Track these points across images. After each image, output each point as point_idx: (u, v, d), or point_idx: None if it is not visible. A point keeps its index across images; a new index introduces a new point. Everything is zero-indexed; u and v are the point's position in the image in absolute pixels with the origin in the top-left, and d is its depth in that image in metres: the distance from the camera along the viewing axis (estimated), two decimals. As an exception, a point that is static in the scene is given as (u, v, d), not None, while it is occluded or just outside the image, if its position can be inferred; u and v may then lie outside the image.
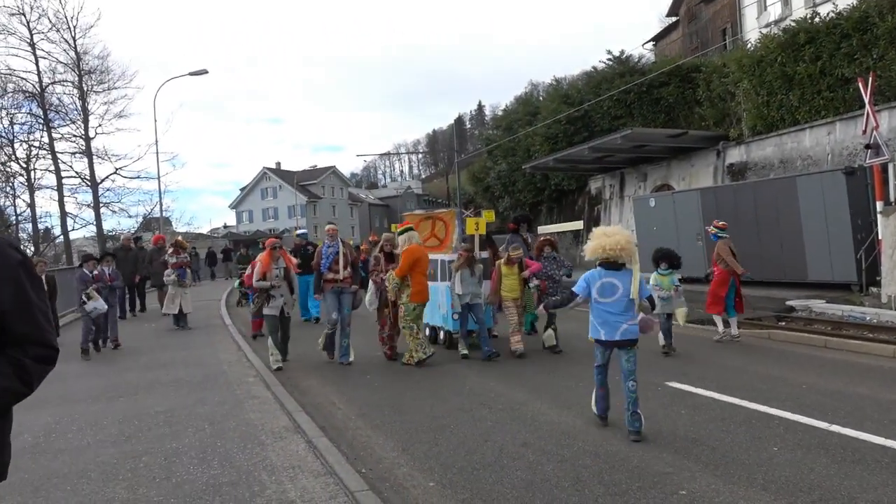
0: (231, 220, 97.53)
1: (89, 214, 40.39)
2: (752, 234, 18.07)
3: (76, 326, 17.47)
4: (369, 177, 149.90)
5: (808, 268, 17.19)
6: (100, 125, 39.48)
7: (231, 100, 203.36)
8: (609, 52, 33.06)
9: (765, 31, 26.29)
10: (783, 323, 13.97)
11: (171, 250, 16.53)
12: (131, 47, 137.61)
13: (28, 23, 36.86)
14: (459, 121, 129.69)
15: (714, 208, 20.49)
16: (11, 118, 37.60)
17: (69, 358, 12.49)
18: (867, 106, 14.46)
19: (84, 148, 39.12)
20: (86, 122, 38.93)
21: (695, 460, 5.80)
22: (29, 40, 37.08)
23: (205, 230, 69.22)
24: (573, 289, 6.90)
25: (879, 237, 14.55)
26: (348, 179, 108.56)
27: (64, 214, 39.09)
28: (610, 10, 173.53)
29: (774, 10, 30.81)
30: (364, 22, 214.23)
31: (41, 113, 37.86)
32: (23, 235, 39.74)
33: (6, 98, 37.41)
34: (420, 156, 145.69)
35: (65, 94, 39.25)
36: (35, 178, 38.88)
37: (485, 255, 11.77)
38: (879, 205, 14.45)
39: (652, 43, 46.12)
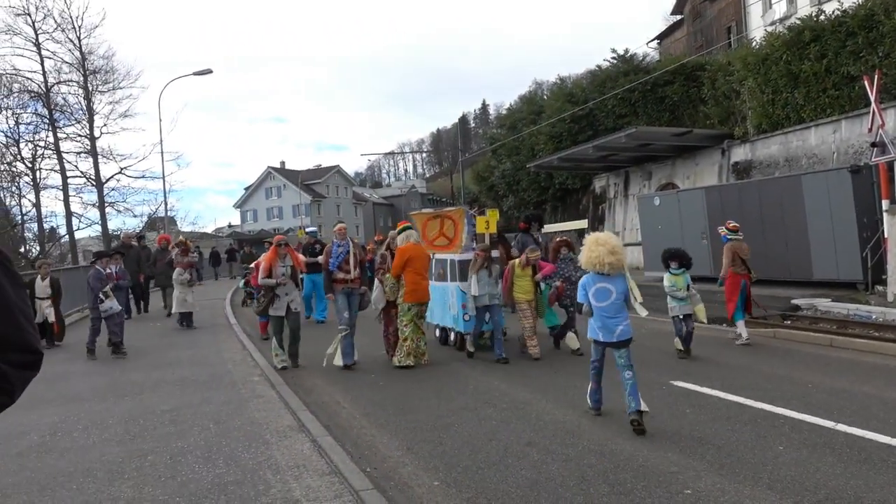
0: (236, 219, 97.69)
1: (94, 214, 40.53)
2: (757, 232, 18.02)
3: (82, 326, 17.51)
4: (373, 176, 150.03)
5: (813, 266, 17.15)
6: (105, 125, 39.62)
7: (235, 99, 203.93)
8: (613, 51, 33.02)
9: (770, 28, 26.22)
10: (788, 322, 13.93)
11: (176, 251, 16.50)
12: (136, 47, 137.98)
13: (33, 23, 36.98)
14: (463, 120, 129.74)
15: (719, 207, 20.44)
16: (17, 118, 37.73)
17: (74, 357, 12.54)
18: (873, 104, 14.41)
19: (89, 148, 39.22)
20: (91, 121, 39.03)
21: (700, 459, 5.79)
22: (34, 40, 37.19)
23: (209, 229, 69.38)
24: (578, 299, 7.35)
25: (885, 235, 14.50)
26: (353, 179, 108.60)
27: (69, 214, 39.20)
28: (614, 9, 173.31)
29: (779, 8, 30.73)
30: (367, 21, 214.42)
31: (46, 113, 37.95)
32: (28, 235, 39.88)
33: (12, 98, 37.54)
34: (424, 155, 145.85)
35: (70, 93, 39.35)
36: (40, 178, 39.00)
37: (496, 254, 11.53)
38: (885, 203, 14.41)
39: (656, 41, 46.03)
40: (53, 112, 38.08)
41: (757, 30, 29.92)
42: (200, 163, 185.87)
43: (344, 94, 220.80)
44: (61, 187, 38.96)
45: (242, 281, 21.66)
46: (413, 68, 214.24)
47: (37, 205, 38.83)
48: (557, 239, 12.23)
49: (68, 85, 38.97)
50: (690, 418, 7.07)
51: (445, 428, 7.11)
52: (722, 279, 11.53)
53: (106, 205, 39.89)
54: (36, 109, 38.33)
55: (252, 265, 15.66)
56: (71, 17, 39.29)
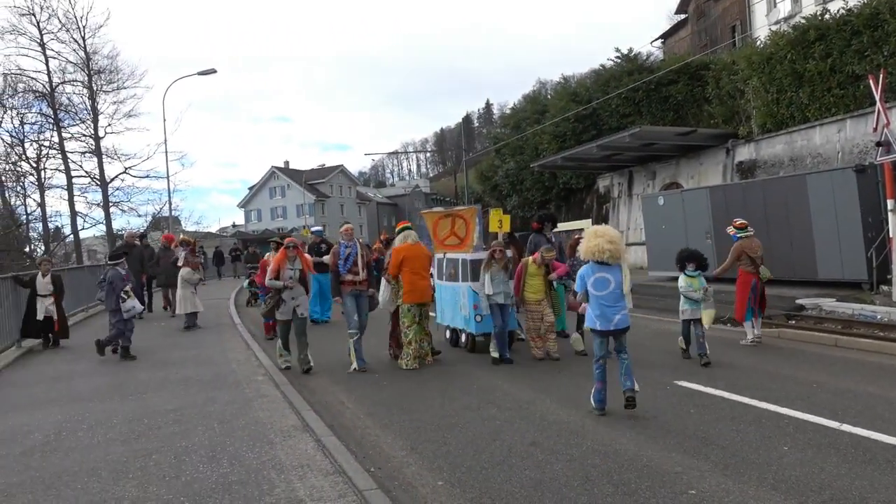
0: (240, 218, 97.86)
1: (99, 214, 40.75)
2: (761, 232, 17.92)
3: (86, 325, 17.56)
4: (377, 176, 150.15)
5: (818, 266, 17.10)
6: (109, 125, 39.83)
7: (239, 99, 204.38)
8: (617, 50, 32.97)
9: (774, 28, 26.17)
10: (793, 322, 13.90)
11: (184, 251, 16.39)
12: (140, 47, 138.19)
13: (38, 23, 37.18)
14: (467, 119, 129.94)
15: (723, 207, 20.40)
16: (22, 118, 37.94)
17: (79, 357, 12.55)
18: (878, 103, 14.35)
19: (94, 147, 39.38)
20: (95, 121, 39.18)
21: (704, 459, 5.79)
22: (39, 40, 37.38)
23: (213, 229, 69.42)
24: (575, 289, 7.66)
25: (890, 235, 14.46)
26: (356, 178, 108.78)
27: (74, 214, 39.34)
28: (618, 9, 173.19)
29: (784, 7, 30.66)
30: (372, 21, 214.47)
31: (51, 113, 38.14)
32: (33, 235, 40.08)
33: (17, 98, 37.76)
34: (428, 154, 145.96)
35: (74, 93, 39.58)
36: (45, 178, 39.22)
37: (509, 253, 11.24)
38: (890, 203, 14.35)
39: (660, 40, 45.99)
40: (58, 112, 38.27)
41: (761, 29, 29.85)
42: (204, 162, 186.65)
43: (348, 94, 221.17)
44: (66, 187, 39.17)
45: (247, 281, 21.65)
46: (417, 68, 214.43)
47: (41, 204, 39.06)
48: (575, 237, 12.05)
49: (73, 85, 39.20)
50: (695, 418, 7.06)
51: (449, 428, 7.11)
52: (715, 275, 11.44)
53: (110, 204, 40.07)
54: (41, 109, 38.56)
55: (259, 264, 15.66)
56: (75, 17, 39.48)
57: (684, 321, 10.18)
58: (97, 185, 39.91)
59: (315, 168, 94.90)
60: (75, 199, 39.46)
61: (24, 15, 36.70)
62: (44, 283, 13.50)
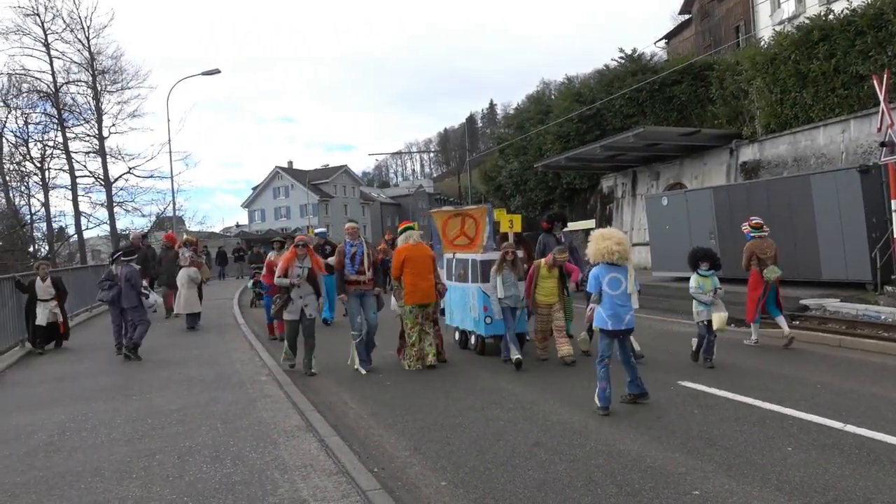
0: (244, 219, 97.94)
1: (103, 214, 40.88)
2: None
3: (89, 325, 17.61)
4: (381, 176, 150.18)
5: (822, 266, 17.08)
6: (113, 125, 39.96)
7: (243, 99, 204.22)
8: (621, 51, 32.91)
9: (778, 28, 26.15)
10: (797, 322, 13.87)
11: (189, 251, 16.34)
12: (144, 47, 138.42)
13: (42, 23, 37.27)
14: (471, 119, 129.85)
15: (727, 207, 20.39)
16: (26, 118, 38.05)
17: (82, 357, 12.58)
18: (882, 103, 14.34)
19: (98, 147, 39.45)
20: (99, 121, 39.26)
21: (708, 460, 5.78)
22: (43, 41, 37.47)
23: (217, 229, 69.49)
24: (588, 289, 7.69)
25: (894, 236, 14.44)
26: (360, 178, 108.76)
27: (78, 214, 39.42)
28: (622, 9, 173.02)
29: (788, 8, 30.63)
30: (376, 22, 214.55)
31: (55, 113, 38.24)
32: (37, 235, 40.17)
33: (21, 98, 37.86)
34: (432, 155, 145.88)
35: (79, 93, 39.66)
36: (49, 178, 39.31)
37: (520, 254, 11.03)
38: (894, 203, 14.34)
39: (664, 41, 45.95)
40: (62, 112, 38.35)
41: (765, 29, 29.83)
42: (208, 163, 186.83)
43: (351, 94, 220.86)
44: (70, 187, 39.23)
45: (251, 281, 21.62)
46: (421, 68, 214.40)
47: (46, 204, 39.13)
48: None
49: (77, 85, 39.28)
50: (698, 419, 7.05)
51: (453, 428, 7.11)
52: (746, 269, 11.27)
53: (114, 204, 40.14)
54: (45, 109, 38.68)
55: (263, 264, 15.61)
56: (80, 18, 39.57)
57: (700, 323, 9.84)
58: (101, 185, 40.02)
59: (319, 168, 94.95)
60: (79, 199, 39.59)
61: (28, 15, 36.84)
62: (44, 288, 13.20)
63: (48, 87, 38.03)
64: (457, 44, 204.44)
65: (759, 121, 23.85)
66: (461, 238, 11.65)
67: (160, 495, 5.40)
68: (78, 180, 39.34)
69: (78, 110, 39.47)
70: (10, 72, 37.48)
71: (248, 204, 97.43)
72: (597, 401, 7.50)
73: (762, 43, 26.26)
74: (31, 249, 37.71)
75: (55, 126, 38.61)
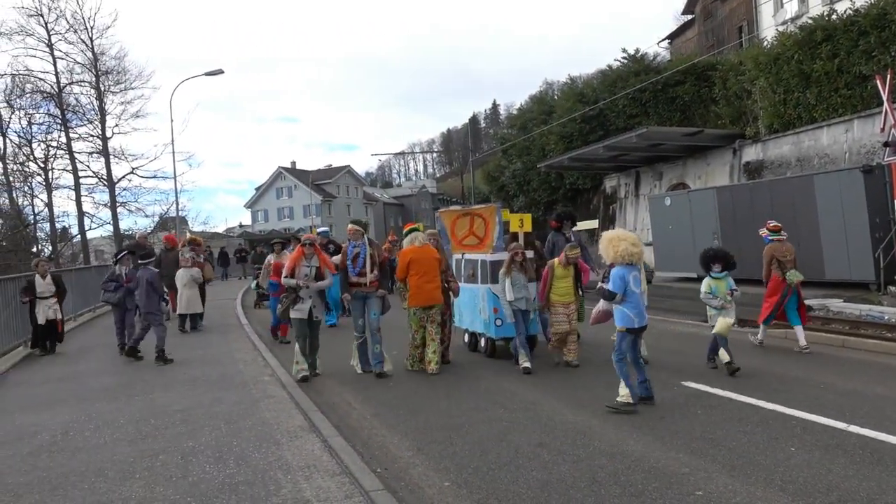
0: (246, 219, 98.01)
1: (106, 214, 40.83)
2: (768, 232, 17.96)
3: (92, 326, 17.63)
4: (384, 176, 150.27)
5: (825, 267, 17.07)
6: (116, 125, 39.94)
7: (244, 99, 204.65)
8: (624, 51, 32.94)
9: (781, 28, 26.13)
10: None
11: (189, 252, 16.29)
12: (147, 48, 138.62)
13: (46, 24, 37.34)
14: (474, 120, 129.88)
15: (730, 207, 20.39)
16: (30, 118, 38.12)
17: (86, 357, 12.60)
18: (885, 103, 14.35)
19: (101, 148, 39.51)
20: (103, 122, 39.31)
21: (711, 461, 5.77)
22: (47, 41, 37.53)
23: (220, 229, 69.53)
24: (609, 289, 7.61)
25: (898, 236, 14.43)
26: (363, 179, 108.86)
27: (81, 214, 39.51)
28: (625, 9, 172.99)
29: (791, 8, 30.61)
30: (379, 22, 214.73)
31: (59, 113, 38.28)
32: (41, 235, 40.28)
33: (24, 98, 37.91)
34: (435, 155, 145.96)
35: (82, 94, 39.71)
36: (53, 178, 39.38)
37: (529, 254, 10.71)
38: (898, 203, 14.34)
39: (667, 41, 45.91)
40: (66, 112, 38.41)
41: (768, 29, 29.81)
42: (210, 162, 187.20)
43: (354, 94, 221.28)
44: (73, 187, 39.28)
45: (255, 282, 21.57)
46: (424, 68, 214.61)
47: (49, 205, 39.17)
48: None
49: (80, 85, 39.33)
50: (702, 419, 7.04)
51: (456, 429, 7.10)
52: (766, 278, 10.94)
53: (117, 205, 40.19)
54: (48, 110, 38.73)
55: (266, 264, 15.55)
56: (83, 18, 39.54)
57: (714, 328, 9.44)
58: (104, 185, 40.04)
59: (322, 168, 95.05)
60: (83, 199, 39.66)
61: (32, 16, 36.90)
62: (45, 285, 12.97)
63: (52, 87, 38.11)
64: (460, 44, 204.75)
65: (762, 121, 23.84)
66: (470, 238, 11.34)
67: (163, 496, 5.41)
68: (81, 181, 39.43)
69: (81, 111, 39.56)
70: (14, 72, 37.57)
71: (250, 204, 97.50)
72: (631, 396, 7.39)
73: (765, 43, 26.25)
74: (34, 250, 37.75)
75: (59, 126, 38.70)
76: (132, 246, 17.16)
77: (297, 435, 6.91)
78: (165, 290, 12.12)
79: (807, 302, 15.21)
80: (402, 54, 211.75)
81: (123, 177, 40.43)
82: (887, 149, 14.43)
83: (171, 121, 35.10)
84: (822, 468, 5.47)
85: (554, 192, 37.43)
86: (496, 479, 5.59)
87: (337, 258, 11.46)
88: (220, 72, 32.18)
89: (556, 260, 10.21)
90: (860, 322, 13.07)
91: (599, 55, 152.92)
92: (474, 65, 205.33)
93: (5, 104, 37.29)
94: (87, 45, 38.39)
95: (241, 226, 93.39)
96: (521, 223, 10.99)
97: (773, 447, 6.04)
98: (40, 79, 38.05)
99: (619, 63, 33.31)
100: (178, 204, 36.46)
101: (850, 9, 20.05)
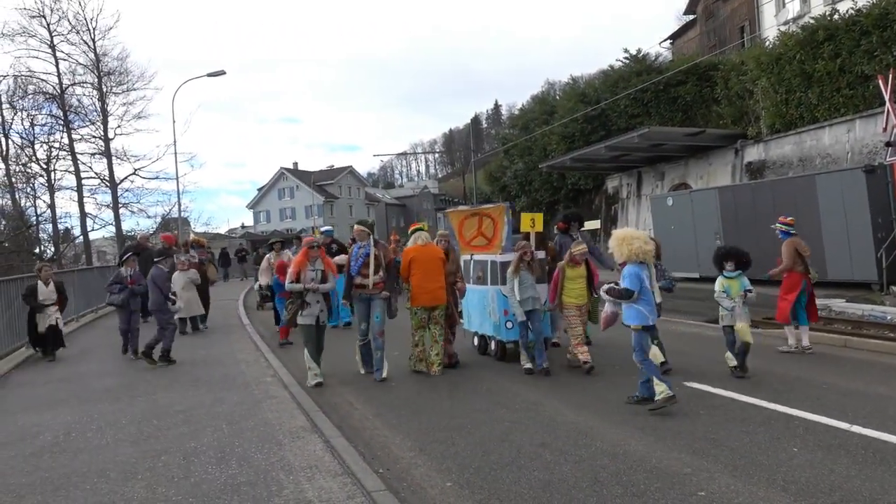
0: (249, 220, 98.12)
1: (108, 215, 40.89)
2: (770, 232, 17.88)
3: (95, 327, 17.62)
4: (386, 177, 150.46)
5: (827, 267, 17.04)
6: (119, 126, 40.04)
7: (245, 100, 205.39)
8: (626, 51, 33.01)
9: (783, 28, 26.12)
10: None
11: (184, 256, 16.23)
12: (149, 49, 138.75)
13: (48, 25, 37.40)
14: (476, 120, 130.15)
15: (732, 207, 20.37)
16: (32, 119, 38.17)
17: (88, 358, 12.60)
18: (887, 103, 14.34)
19: (103, 149, 39.56)
20: (105, 123, 39.37)
21: (714, 461, 5.76)
22: (49, 42, 37.59)
23: (223, 230, 69.58)
24: (626, 286, 7.52)
25: (900, 236, 14.41)
26: (365, 179, 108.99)
27: (83, 215, 39.54)
28: (627, 9, 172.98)
29: (793, 8, 30.59)
30: (380, 22, 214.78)
31: (61, 114, 38.34)
32: (43, 236, 40.32)
33: (27, 100, 37.95)
34: (436, 155, 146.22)
35: (84, 95, 39.77)
36: (55, 179, 39.43)
37: (541, 255, 10.50)
38: (900, 203, 14.32)
39: (669, 41, 45.93)
40: (68, 113, 38.46)
41: (770, 29, 29.81)
42: (212, 163, 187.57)
43: (355, 95, 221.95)
44: (76, 188, 39.37)
45: (258, 283, 21.50)
46: (425, 69, 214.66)
47: (51, 206, 39.23)
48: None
49: (83, 86, 39.40)
50: (704, 419, 7.03)
51: (458, 429, 7.10)
52: (772, 275, 10.43)
53: (120, 205, 40.24)
54: (51, 111, 38.80)
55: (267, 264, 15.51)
56: (85, 19, 39.58)
57: (725, 327, 9.08)
58: (107, 186, 40.10)
59: (324, 169, 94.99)
60: (85, 200, 39.72)
61: (34, 17, 36.96)
62: (47, 292, 12.65)
63: (54, 88, 38.16)
64: (462, 45, 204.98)
65: (764, 121, 23.83)
66: (479, 238, 11.11)
67: (165, 496, 5.41)
68: (83, 181, 39.50)
69: (83, 112, 39.62)
70: (17, 73, 37.62)
71: (253, 205, 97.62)
72: (668, 391, 7.21)
73: (767, 43, 26.26)
74: (36, 251, 37.81)
75: (61, 127, 38.76)
76: (134, 247, 17.10)
77: (299, 435, 6.91)
78: (173, 292, 12.02)
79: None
80: (403, 55, 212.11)
81: (126, 178, 40.53)
82: (889, 148, 14.43)
83: (174, 121, 35.24)
84: (825, 468, 5.46)
85: (556, 192, 37.46)
86: (498, 479, 5.59)
87: (340, 258, 11.38)
88: (223, 73, 32.23)
89: (563, 262, 9.91)
90: (862, 322, 13.06)
91: (601, 55, 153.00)
92: (476, 65, 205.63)
93: (8, 105, 37.40)
94: (89, 47, 38.49)
95: (243, 226, 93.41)
96: (533, 223, 10.73)
97: (776, 447, 6.04)
98: (43, 80, 38.16)
99: (620, 63, 33.37)
100: (180, 205, 36.52)
101: (852, 8, 20.05)
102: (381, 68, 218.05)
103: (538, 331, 9.76)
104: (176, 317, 15.73)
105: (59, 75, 38.22)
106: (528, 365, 9.72)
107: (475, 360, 10.86)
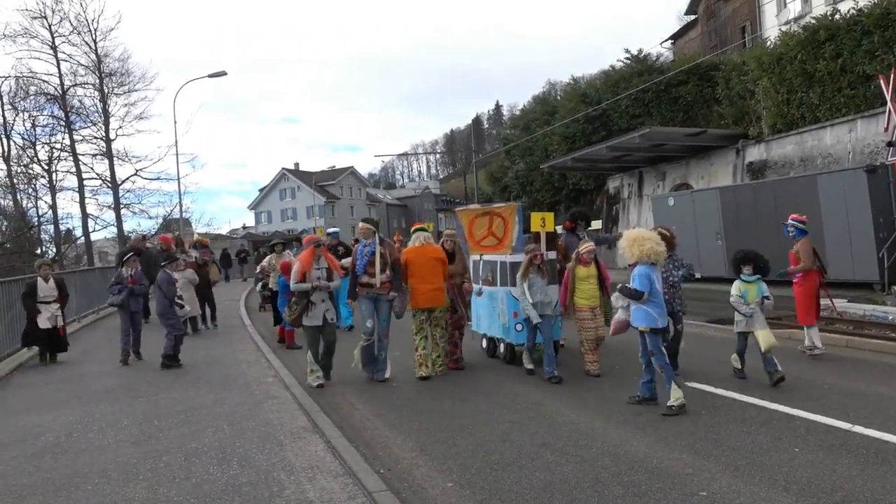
0: (250, 220, 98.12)
1: (110, 216, 40.93)
2: (772, 233, 17.93)
3: (96, 328, 17.63)
4: (387, 177, 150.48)
5: (829, 267, 17.02)
6: (120, 127, 40.07)
7: (246, 100, 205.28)
8: (627, 51, 33.04)
9: (784, 28, 26.10)
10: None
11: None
12: (151, 49, 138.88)
13: (50, 26, 37.42)
14: (477, 121, 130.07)
15: (734, 207, 20.36)
16: (33, 120, 38.19)
17: (90, 359, 12.61)
18: (889, 103, 14.33)
19: (105, 149, 39.59)
20: (106, 123, 39.40)
21: (715, 461, 5.76)
22: (51, 43, 37.61)
23: (224, 231, 69.65)
24: (636, 287, 7.47)
25: (902, 236, 14.40)
26: (366, 180, 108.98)
27: (85, 216, 39.57)
28: (628, 9, 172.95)
29: (794, 7, 30.57)
30: (380, 23, 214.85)
31: (63, 115, 38.38)
32: (45, 237, 40.29)
33: (28, 100, 37.97)
34: (438, 156, 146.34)
35: (86, 96, 39.81)
36: (57, 180, 39.42)
37: (552, 255, 10.23)
38: (902, 203, 14.30)
39: (670, 41, 45.92)
40: (70, 114, 38.50)
41: (771, 29, 29.79)
42: (214, 164, 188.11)
43: (356, 95, 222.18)
44: (77, 189, 39.39)
45: (259, 284, 21.48)
46: (426, 69, 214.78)
47: (53, 206, 39.24)
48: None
49: (84, 87, 39.44)
50: (705, 420, 7.03)
51: (459, 429, 7.10)
52: (790, 273, 10.16)
53: (121, 206, 40.27)
54: (52, 112, 38.81)
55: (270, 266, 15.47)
56: (87, 20, 39.56)
57: (739, 334, 8.88)
58: (108, 187, 40.16)
59: (325, 170, 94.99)
60: (86, 201, 39.70)
61: (35, 18, 36.99)
62: (47, 288, 12.54)
63: (55, 89, 38.17)
64: (463, 45, 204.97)
65: (765, 121, 23.82)
66: (489, 238, 10.80)
67: (167, 497, 5.41)
68: (85, 182, 39.52)
69: (85, 113, 39.66)
70: (18, 74, 37.64)
71: (254, 206, 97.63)
72: (683, 397, 7.27)
73: (768, 43, 26.24)
74: (38, 252, 37.78)
75: (62, 128, 38.77)
76: (128, 251, 17.07)
77: (300, 436, 6.91)
78: (180, 296, 11.99)
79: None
80: (404, 55, 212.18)
81: (127, 178, 40.56)
82: (891, 148, 14.42)
83: (175, 122, 35.38)
84: (826, 468, 5.46)
85: (557, 192, 37.46)
86: (499, 479, 5.59)
87: (346, 262, 11.24)
88: (224, 73, 32.30)
89: (571, 263, 9.70)
90: (864, 322, 13.05)
91: (602, 56, 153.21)
92: (477, 65, 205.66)
93: (9, 106, 37.40)
94: (90, 48, 38.52)
95: (244, 227, 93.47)
96: (543, 222, 10.35)
97: (777, 447, 6.03)
98: (44, 81, 38.18)
99: (622, 63, 33.38)
100: (181, 205, 36.59)
101: (854, 8, 20.04)
102: (382, 68, 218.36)
103: (548, 336, 9.38)
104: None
105: (60, 76, 38.28)
106: (530, 365, 9.66)
107: (477, 361, 10.79)
